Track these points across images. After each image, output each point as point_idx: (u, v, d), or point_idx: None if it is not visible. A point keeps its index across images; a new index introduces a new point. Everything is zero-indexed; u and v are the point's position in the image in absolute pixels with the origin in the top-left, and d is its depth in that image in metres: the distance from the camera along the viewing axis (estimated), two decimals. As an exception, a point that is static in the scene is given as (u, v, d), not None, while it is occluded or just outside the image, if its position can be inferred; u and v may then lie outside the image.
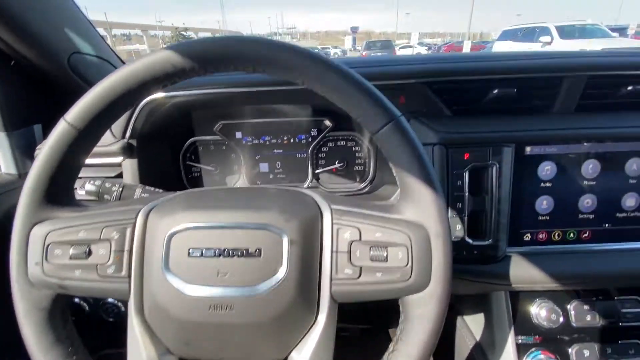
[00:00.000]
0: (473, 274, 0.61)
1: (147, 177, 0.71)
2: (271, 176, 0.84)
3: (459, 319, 0.73)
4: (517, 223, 0.61)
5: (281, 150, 0.82)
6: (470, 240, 0.59)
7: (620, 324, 0.62)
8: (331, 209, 0.42)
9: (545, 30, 9.82)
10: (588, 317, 0.62)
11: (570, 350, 0.62)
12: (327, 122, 0.78)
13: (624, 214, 0.61)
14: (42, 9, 0.59)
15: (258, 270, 0.38)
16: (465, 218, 0.59)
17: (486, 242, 0.60)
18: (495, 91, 0.58)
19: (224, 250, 0.38)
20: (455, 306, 0.76)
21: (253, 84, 0.65)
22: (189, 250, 0.38)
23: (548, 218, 0.61)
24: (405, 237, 0.38)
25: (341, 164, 0.81)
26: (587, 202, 0.60)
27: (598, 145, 0.59)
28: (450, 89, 0.60)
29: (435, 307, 0.37)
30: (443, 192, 0.39)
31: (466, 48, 12.32)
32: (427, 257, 0.37)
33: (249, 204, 0.41)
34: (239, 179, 0.84)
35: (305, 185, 0.83)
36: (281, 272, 0.38)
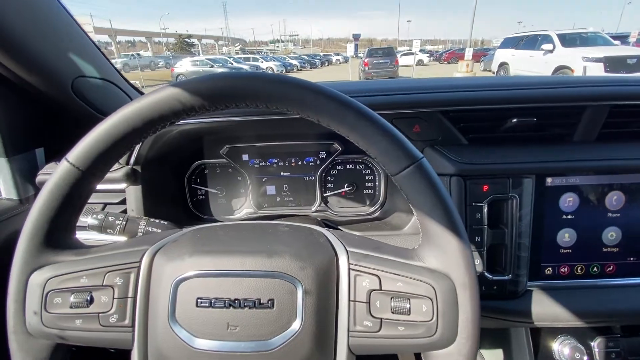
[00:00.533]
0: (492, 310, 0.58)
1: (151, 201, 0.69)
2: (278, 199, 0.82)
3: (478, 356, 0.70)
4: (538, 257, 0.58)
5: (289, 173, 0.80)
6: (489, 275, 0.57)
7: None
8: (347, 252, 0.39)
9: (547, 38, 9.83)
10: (613, 355, 0.59)
11: (594, 390, 0.59)
12: (337, 146, 0.75)
13: (651, 247, 0.58)
14: (44, 33, 0.57)
15: (271, 322, 0.35)
16: (484, 252, 0.56)
17: (506, 277, 0.57)
18: (514, 120, 0.56)
19: (235, 300, 0.36)
20: None
21: (262, 112, 0.63)
22: (197, 300, 0.36)
23: (570, 251, 0.58)
24: (429, 288, 0.36)
25: (350, 187, 0.79)
26: (611, 235, 0.58)
27: (622, 176, 0.56)
28: (467, 118, 0.57)
29: None
30: (468, 240, 0.36)
31: (468, 55, 12.36)
32: (454, 311, 0.35)
33: (261, 248, 0.39)
34: (245, 202, 0.81)
35: (313, 209, 0.81)
36: (296, 325, 0.35)
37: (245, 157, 0.79)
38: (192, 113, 0.37)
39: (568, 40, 9.63)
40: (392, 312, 0.36)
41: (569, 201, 0.57)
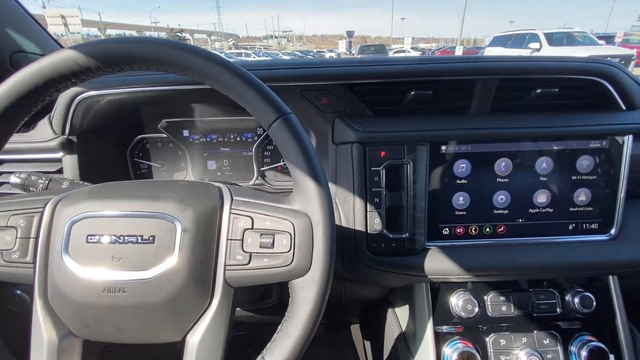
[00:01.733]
0: (392, 265, 0.64)
1: (90, 173, 0.73)
2: (219, 174, 0.87)
3: (389, 311, 0.76)
4: (435, 218, 0.64)
5: (228, 149, 0.85)
6: (388, 233, 0.62)
7: (534, 314, 0.66)
8: (232, 200, 0.45)
9: (534, 37, 9.99)
10: (504, 308, 0.66)
11: (487, 339, 0.65)
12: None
13: (536, 210, 0.64)
14: None
15: (150, 255, 0.40)
16: (383, 212, 0.62)
17: (403, 235, 0.63)
18: (412, 93, 0.61)
19: (120, 236, 0.41)
20: (388, 298, 0.79)
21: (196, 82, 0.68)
22: (87, 236, 0.41)
23: (465, 213, 0.64)
24: (289, 224, 0.41)
25: (284, 163, 0.84)
26: (500, 198, 0.64)
27: (510, 144, 0.63)
28: (371, 91, 0.63)
29: (314, 290, 0.40)
30: (327, 184, 0.42)
31: (458, 52, 12.50)
32: (308, 244, 0.40)
33: (150, 195, 0.44)
34: (187, 176, 0.86)
35: (251, 183, 0.86)
36: (173, 258, 0.40)
37: (185, 132, 0.83)
38: (89, 74, 0.42)
39: (555, 39, 9.80)
40: (260, 247, 0.42)
41: (462, 167, 0.63)
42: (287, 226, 0.41)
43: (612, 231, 0.65)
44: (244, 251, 0.42)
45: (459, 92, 0.63)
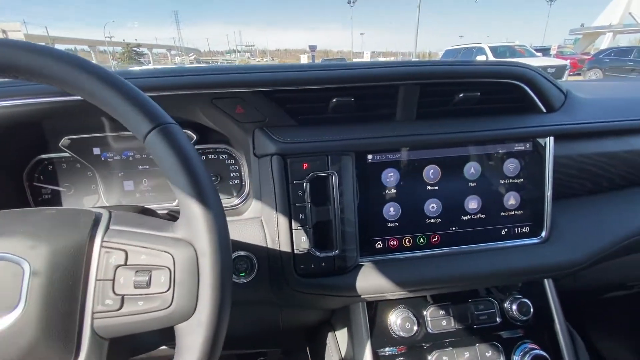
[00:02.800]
0: (325, 288, 0.58)
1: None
2: (137, 195, 0.77)
3: (329, 335, 0.71)
4: (367, 232, 0.60)
5: (147, 166, 0.76)
6: (317, 252, 0.57)
7: (475, 326, 0.63)
8: (107, 230, 0.37)
9: (480, 50, 10.79)
10: (444, 322, 0.62)
11: (429, 357, 0.61)
12: (190, 134, 0.73)
13: (468, 216, 0.62)
14: None
15: None
16: (310, 229, 0.57)
17: (333, 253, 0.58)
18: (334, 100, 0.58)
19: None
20: (330, 321, 0.73)
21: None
22: None
23: (397, 224, 0.61)
24: (169, 257, 0.34)
25: (214, 179, 0.77)
26: (432, 206, 0.61)
27: (436, 151, 0.60)
28: (292, 99, 0.58)
29: (201, 335, 0.33)
30: (217, 204, 0.36)
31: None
32: (191, 280, 0.34)
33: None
34: (98, 201, 0.76)
35: (175, 203, 0.77)
36: (16, 311, 0.32)
37: (96, 150, 0.74)
38: None
39: (499, 52, 10.65)
40: (134, 287, 0.34)
41: (390, 176, 0.59)
42: (165, 260, 0.34)
43: (543, 234, 0.65)
44: (115, 294, 0.34)
45: (383, 98, 0.60)
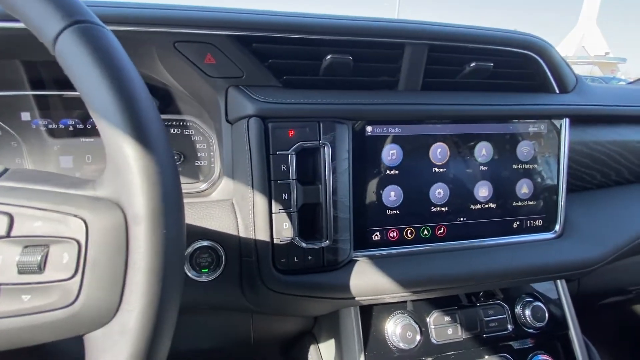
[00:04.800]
0: (310, 288, 0.47)
1: None
2: (78, 174, 0.62)
3: (312, 348, 0.58)
4: (363, 220, 0.49)
5: (92, 139, 0.61)
6: (302, 243, 0.46)
7: (484, 335, 0.54)
8: None
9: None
10: (449, 331, 0.52)
11: (432, 374, 0.50)
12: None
13: (478, 205, 0.54)
14: None
15: None
16: (294, 214, 0.45)
17: (322, 244, 0.46)
18: (328, 57, 0.47)
19: None
20: (312, 331, 0.61)
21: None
22: None
23: (398, 212, 0.51)
24: (78, 225, 0.22)
25: (175, 158, 0.63)
26: (438, 192, 0.52)
27: (446, 126, 0.52)
28: (277, 52, 0.48)
29: (127, 353, 0.21)
30: (163, 142, 0.24)
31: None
32: (115, 261, 0.21)
33: None
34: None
35: None
36: None
37: (24, 115, 0.58)
38: None
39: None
40: (18, 272, 0.21)
41: (392, 154, 0.50)
42: (73, 228, 0.22)
43: (557, 228, 0.57)
44: None
45: (385, 61, 0.51)
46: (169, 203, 0.22)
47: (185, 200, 0.51)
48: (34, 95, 0.57)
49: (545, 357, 0.54)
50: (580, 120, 0.58)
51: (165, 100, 0.59)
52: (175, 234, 0.23)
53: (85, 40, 0.22)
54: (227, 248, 0.46)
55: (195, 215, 0.47)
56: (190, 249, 0.45)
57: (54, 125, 0.60)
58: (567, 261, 0.55)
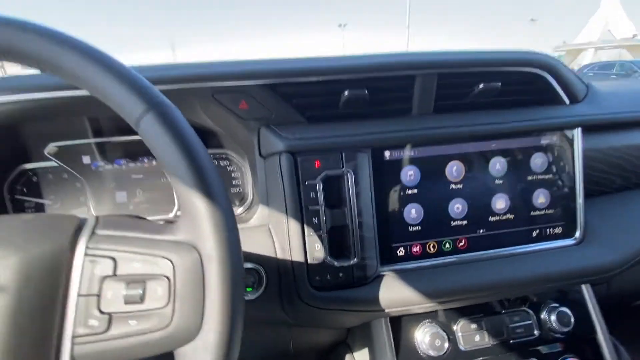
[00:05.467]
0: (343, 302, 0.52)
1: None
2: (131, 207, 0.71)
3: (347, 357, 0.63)
4: (387, 237, 0.54)
5: (141, 175, 0.70)
6: (333, 261, 0.51)
7: (511, 341, 0.56)
8: (92, 236, 0.31)
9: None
10: (477, 338, 0.55)
11: (463, 380, 0.54)
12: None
13: (497, 217, 0.57)
14: None
15: None
16: (325, 235, 0.51)
17: (352, 262, 0.51)
18: (346, 93, 0.53)
19: None
20: (346, 341, 0.66)
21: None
22: None
23: (420, 228, 0.55)
24: (167, 264, 0.28)
25: None
26: (457, 207, 0.56)
27: (459, 146, 0.56)
28: (300, 93, 0.54)
29: None
30: (225, 199, 0.30)
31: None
32: (196, 292, 0.27)
33: None
34: (88, 213, 0.69)
35: (172, 215, 0.71)
36: None
37: (85, 159, 0.68)
38: None
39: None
40: (125, 303, 0.28)
41: (410, 175, 0.54)
42: (163, 267, 0.28)
43: (577, 234, 0.59)
44: (101, 312, 0.28)
45: (398, 91, 0.56)
46: (232, 244, 0.28)
47: None
48: (92, 142, 0.66)
49: None
50: (592, 128, 0.60)
51: (205, 137, 0.67)
52: (238, 266, 0.29)
53: (162, 121, 0.29)
54: (267, 269, 0.52)
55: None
56: None
57: (110, 166, 0.69)
58: (588, 266, 0.57)
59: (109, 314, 0.28)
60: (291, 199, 0.50)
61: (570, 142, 0.58)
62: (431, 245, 0.55)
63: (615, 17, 28.48)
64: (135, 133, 0.60)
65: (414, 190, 0.54)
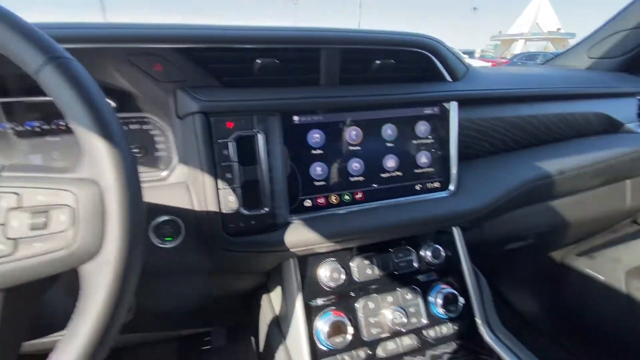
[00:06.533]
0: (255, 244, 0.60)
1: None
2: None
3: (264, 297, 0.72)
4: (296, 190, 0.63)
5: (58, 138, 0.69)
6: (246, 211, 0.58)
7: (395, 272, 0.70)
8: None
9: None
10: (368, 271, 0.68)
11: (357, 305, 0.66)
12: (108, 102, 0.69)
13: (387, 174, 0.69)
14: None
15: None
16: (238, 189, 0.58)
17: (262, 211, 0.59)
18: (258, 61, 0.59)
19: None
20: (265, 284, 0.75)
21: None
22: None
23: (324, 183, 0.64)
24: (69, 196, 0.33)
25: (137, 151, 0.73)
26: (355, 165, 0.66)
27: (358, 113, 0.65)
28: (215, 58, 0.58)
29: (109, 274, 0.32)
30: (123, 139, 0.35)
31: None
32: (96, 217, 0.33)
33: None
34: None
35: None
36: None
37: None
38: None
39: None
40: (30, 229, 0.32)
41: (316, 137, 0.63)
42: (66, 198, 0.33)
43: (451, 187, 0.74)
44: (8, 238, 0.32)
45: (306, 62, 0.63)
46: (129, 176, 0.34)
47: (148, 185, 0.62)
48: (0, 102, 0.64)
49: (443, 286, 0.72)
50: (467, 102, 0.74)
51: (124, 100, 0.68)
52: (135, 195, 0.34)
53: (61, 71, 0.33)
54: (185, 220, 0.58)
55: (156, 196, 0.58)
56: (154, 222, 0.57)
57: (20, 128, 0.67)
58: (457, 211, 0.72)
59: (15, 239, 0.32)
60: (206, 156, 0.56)
61: (448, 113, 0.71)
62: (333, 197, 0.66)
63: (544, 11, 31.41)
64: (43, 93, 0.61)
65: (319, 151, 0.63)
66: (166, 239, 0.58)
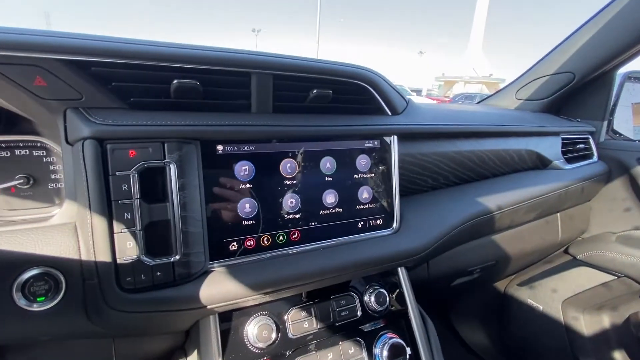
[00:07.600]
0: (161, 302, 0.48)
1: None
2: None
3: None
4: (219, 232, 0.53)
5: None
6: (148, 260, 0.47)
7: (337, 323, 0.62)
8: None
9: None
10: (305, 325, 0.59)
11: (292, 366, 0.56)
12: None
13: (327, 211, 0.62)
14: None
15: None
16: (140, 232, 0.47)
17: (172, 259, 0.49)
18: (175, 82, 0.51)
19: None
20: (183, 347, 0.62)
21: None
22: None
23: (254, 222, 0.56)
24: None
25: (23, 181, 0.58)
26: (290, 201, 0.59)
27: (293, 144, 0.59)
28: (120, 76, 0.49)
29: None
30: None
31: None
32: None
33: None
34: None
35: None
36: None
37: None
38: None
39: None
40: None
41: (244, 169, 0.55)
42: None
43: (394, 225, 0.69)
44: None
45: (234, 87, 0.56)
46: None
47: (25, 227, 0.48)
48: None
49: (390, 335, 0.65)
50: (407, 137, 0.72)
51: (11, 121, 0.55)
52: None
53: None
54: (67, 273, 0.45)
55: (32, 241, 0.45)
56: (20, 279, 0.43)
57: None
58: (400, 251, 0.67)
59: None
60: (96, 191, 0.44)
61: (389, 146, 0.68)
62: (265, 238, 0.57)
63: (478, 58, 35.73)
64: None
65: (249, 185, 0.55)
66: (38, 299, 0.44)
